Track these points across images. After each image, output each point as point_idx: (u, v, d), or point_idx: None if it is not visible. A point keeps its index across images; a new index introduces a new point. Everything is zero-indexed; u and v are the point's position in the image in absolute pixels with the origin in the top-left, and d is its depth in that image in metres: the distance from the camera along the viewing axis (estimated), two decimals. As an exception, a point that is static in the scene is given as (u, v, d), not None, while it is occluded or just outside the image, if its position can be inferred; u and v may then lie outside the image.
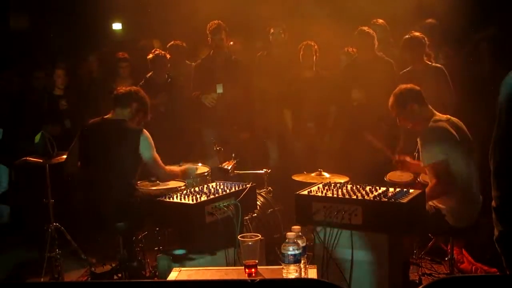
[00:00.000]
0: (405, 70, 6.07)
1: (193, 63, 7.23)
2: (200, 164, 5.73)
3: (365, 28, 6.33)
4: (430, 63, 6.01)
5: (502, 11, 6.29)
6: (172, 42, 7.31)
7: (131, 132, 4.77)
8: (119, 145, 4.72)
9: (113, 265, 5.17)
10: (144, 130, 4.81)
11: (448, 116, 4.63)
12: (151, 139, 4.81)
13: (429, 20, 6.78)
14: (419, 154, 4.64)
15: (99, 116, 4.97)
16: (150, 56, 6.74)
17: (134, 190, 4.78)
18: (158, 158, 4.87)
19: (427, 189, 4.42)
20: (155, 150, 4.83)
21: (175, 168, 5.16)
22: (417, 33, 5.95)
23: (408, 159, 4.95)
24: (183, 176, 5.15)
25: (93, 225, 4.89)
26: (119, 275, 4.91)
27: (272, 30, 6.95)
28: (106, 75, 7.49)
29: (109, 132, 4.80)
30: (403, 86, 4.76)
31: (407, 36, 5.97)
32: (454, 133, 4.49)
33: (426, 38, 5.93)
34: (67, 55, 7.66)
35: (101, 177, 4.71)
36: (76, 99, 7.07)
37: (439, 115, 4.62)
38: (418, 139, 4.58)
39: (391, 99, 4.73)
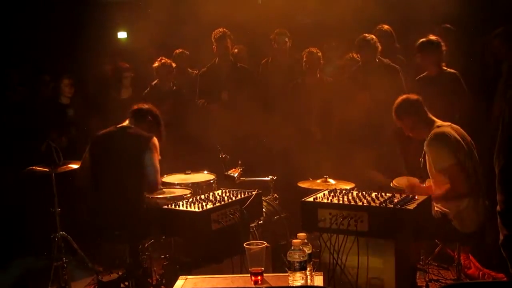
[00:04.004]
0: (420, 76, 6.00)
1: (195, 71, 7.26)
2: (205, 172, 5.75)
3: (366, 35, 6.32)
4: (445, 68, 5.90)
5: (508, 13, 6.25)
6: (177, 50, 7.34)
7: (141, 138, 4.79)
8: (128, 152, 4.75)
9: (120, 273, 5.17)
10: (154, 138, 4.83)
11: (449, 123, 4.66)
12: (158, 147, 4.83)
13: (446, 25, 6.75)
14: (425, 160, 4.64)
15: (104, 124, 5.02)
16: (156, 64, 6.78)
17: (142, 198, 4.79)
18: (158, 169, 4.80)
19: (439, 192, 4.43)
20: (157, 159, 4.83)
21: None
22: (433, 37, 5.83)
23: (417, 183, 4.90)
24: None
25: (100, 233, 4.90)
26: (126, 283, 4.91)
27: (276, 38, 6.97)
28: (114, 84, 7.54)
29: (119, 138, 4.84)
30: (400, 97, 4.81)
31: (423, 40, 5.84)
32: (459, 138, 4.51)
33: (443, 43, 5.79)
34: (72, 63, 7.69)
35: (110, 184, 4.74)
36: (83, 108, 7.09)
37: (440, 122, 4.65)
38: (424, 146, 4.59)
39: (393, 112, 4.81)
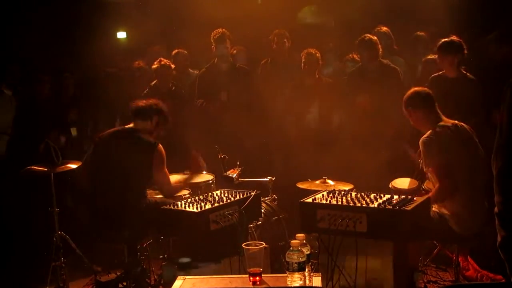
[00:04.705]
0: (435, 75, 5.90)
1: (196, 71, 7.25)
2: (204, 172, 5.74)
3: (367, 35, 6.32)
4: (465, 72, 5.77)
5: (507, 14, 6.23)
6: (176, 50, 7.34)
7: (146, 145, 4.79)
8: (132, 156, 4.74)
9: (118, 273, 5.17)
10: (160, 145, 4.82)
11: (455, 122, 4.64)
12: (164, 154, 4.82)
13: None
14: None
15: (107, 125, 5.01)
16: (155, 65, 6.76)
17: (140, 198, 4.79)
18: (167, 175, 4.87)
19: (431, 193, 4.44)
20: (165, 165, 4.83)
21: (179, 183, 5.18)
22: (455, 38, 5.68)
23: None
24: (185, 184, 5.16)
25: (98, 233, 4.90)
26: (124, 283, 4.91)
27: (275, 38, 6.98)
28: (120, 85, 7.53)
29: (123, 142, 4.84)
30: (413, 89, 4.82)
31: (444, 40, 5.71)
32: (457, 138, 4.50)
33: (464, 45, 5.65)
34: (72, 63, 7.69)
35: (110, 185, 4.74)
36: (83, 108, 7.09)
37: (445, 120, 4.64)
38: (419, 143, 4.58)
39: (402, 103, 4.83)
